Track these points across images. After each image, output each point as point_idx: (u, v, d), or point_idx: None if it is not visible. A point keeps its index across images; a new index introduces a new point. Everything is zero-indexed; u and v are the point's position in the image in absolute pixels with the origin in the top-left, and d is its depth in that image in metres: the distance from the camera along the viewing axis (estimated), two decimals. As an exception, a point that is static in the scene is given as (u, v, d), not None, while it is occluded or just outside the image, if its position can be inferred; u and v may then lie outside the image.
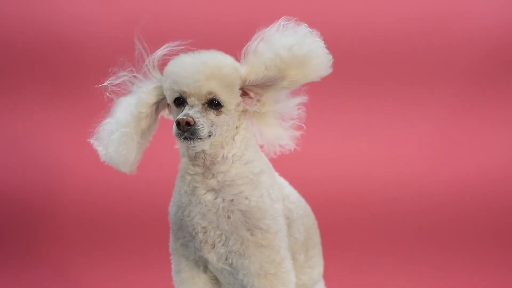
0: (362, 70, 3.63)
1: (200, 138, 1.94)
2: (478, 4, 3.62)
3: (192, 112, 1.93)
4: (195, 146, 1.99)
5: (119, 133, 2.05)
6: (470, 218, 3.55)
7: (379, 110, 3.65)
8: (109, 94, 2.10)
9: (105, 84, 2.10)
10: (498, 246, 3.49)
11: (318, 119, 2.15)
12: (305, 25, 2.00)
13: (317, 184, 3.48)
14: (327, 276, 2.44)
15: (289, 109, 2.08)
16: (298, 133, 2.11)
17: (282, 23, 1.99)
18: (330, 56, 1.99)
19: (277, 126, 2.08)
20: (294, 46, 1.94)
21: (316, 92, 2.14)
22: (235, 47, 2.05)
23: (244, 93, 2.04)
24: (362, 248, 3.46)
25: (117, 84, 2.10)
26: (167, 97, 2.03)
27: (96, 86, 2.11)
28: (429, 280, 3.34)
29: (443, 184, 3.60)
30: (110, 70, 2.10)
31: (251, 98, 2.05)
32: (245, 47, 2.02)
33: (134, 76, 2.10)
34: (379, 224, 3.52)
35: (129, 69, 2.09)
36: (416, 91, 3.65)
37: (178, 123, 1.92)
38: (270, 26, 2.00)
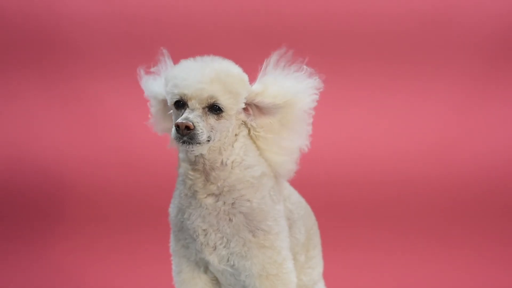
0: (366, 51, 3.59)
1: (199, 143, 1.93)
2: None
3: (192, 116, 1.92)
4: (193, 150, 1.98)
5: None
6: (484, 206, 3.52)
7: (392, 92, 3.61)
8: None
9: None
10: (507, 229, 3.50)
11: (317, 117, 2.14)
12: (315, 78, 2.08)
13: (317, 182, 3.46)
14: (327, 276, 2.44)
15: (282, 143, 2.09)
16: (293, 166, 2.12)
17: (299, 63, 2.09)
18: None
19: (272, 153, 2.09)
20: (305, 91, 2.06)
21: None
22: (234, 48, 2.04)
23: (246, 108, 2.06)
24: (363, 247, 3.44)
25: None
26: (168, 100, 2.03)
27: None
28: (430, 280, 3.33)
29: (451, 176, 3.56)
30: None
31: (249, 114, 2.08)
32: (264, 66, 2.07)
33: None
34: (379, 223, 3.50)
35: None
36: (429, 71, 3.59)
37: (178, 127, 1.91)
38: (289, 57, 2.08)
